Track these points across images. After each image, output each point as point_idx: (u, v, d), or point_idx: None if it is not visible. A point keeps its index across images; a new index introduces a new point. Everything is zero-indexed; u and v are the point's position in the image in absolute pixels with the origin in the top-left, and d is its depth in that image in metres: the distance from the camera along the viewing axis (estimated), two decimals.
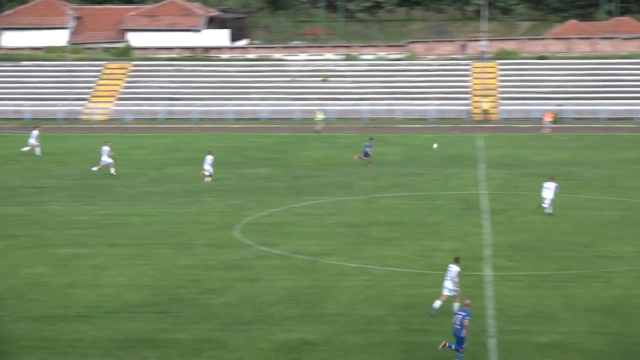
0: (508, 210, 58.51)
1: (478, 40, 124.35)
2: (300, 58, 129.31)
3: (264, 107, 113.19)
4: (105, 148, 71.21)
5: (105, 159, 70.84)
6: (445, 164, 77.46)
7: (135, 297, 39.94)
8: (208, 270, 44.27)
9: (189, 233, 52.15)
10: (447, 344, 32.92)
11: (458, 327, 32.76)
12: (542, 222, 55.01)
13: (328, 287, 41.70)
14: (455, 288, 37.66)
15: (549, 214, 56.55)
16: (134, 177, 70.77)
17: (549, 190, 57.20)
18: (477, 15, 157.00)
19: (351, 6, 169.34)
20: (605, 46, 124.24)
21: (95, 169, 71.43)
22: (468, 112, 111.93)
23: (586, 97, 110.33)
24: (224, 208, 59.18)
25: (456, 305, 37.15)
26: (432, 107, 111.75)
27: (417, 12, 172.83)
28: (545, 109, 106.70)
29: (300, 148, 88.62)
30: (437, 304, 37.67)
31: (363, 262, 45.97)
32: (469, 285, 41.26)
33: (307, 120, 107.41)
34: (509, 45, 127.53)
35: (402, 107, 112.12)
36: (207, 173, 67.47)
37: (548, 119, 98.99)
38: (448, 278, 37.70)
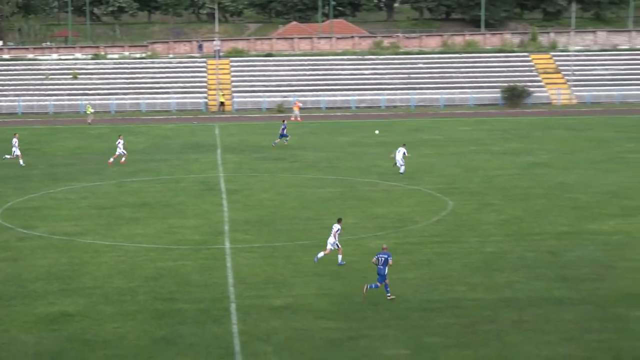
0: (243, 190, 59.10)
1: (212, 40, 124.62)
2: (52, 58, 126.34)
3: (20, 103, 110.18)
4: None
5: None
6: (187, 150, 77.54)
7: None
8: None
9: None
10: (368, 286, 36.06)
11: (381, 267, 35.85)
12: (272, 200, 55.85)
13: (84, 263, 41.11)
14: (337, 242, 40.71)
15: (401, 172, 62.82)
16: None
17: (399, 153, 63.53)
18: (210, 18, 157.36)
19: (97, 10, 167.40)
20: (323, 45, 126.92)
21: None
22: (205, 104, 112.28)
23: (308, 89, 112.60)
24: None
25: (340, 256, 40.94)
26: (173, 100, 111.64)
27: (157, 16, 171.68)
28: (274, 100, 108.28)
29: (55, 139, 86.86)
30: (321, 254, 40.73)
31: (115, 240, 45.52)
32: (211, 257, 41.66)
33: (59, 114, 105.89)
34: (240, 45, 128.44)
35: (146, 101, 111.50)
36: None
37: (297, 108, 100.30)
38: (331, 235, 40.76)
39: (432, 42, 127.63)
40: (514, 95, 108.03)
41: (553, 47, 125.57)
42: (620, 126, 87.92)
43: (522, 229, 47.41)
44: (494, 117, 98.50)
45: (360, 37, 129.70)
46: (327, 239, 41.27)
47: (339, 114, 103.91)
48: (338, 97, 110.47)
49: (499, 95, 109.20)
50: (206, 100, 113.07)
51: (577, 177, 62.21)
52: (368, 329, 33.12)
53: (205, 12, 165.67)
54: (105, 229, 47.90)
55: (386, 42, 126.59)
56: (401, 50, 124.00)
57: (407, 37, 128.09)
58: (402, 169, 63.61)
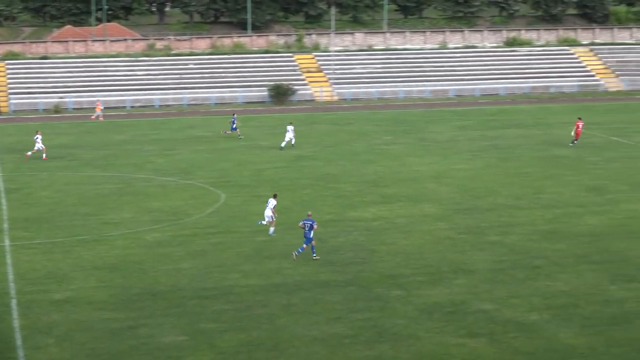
0: (23, 188, 57.25)
1: None
2: None
3: None
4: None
5: None
6: None
7: None
8: None
9: None
10: (296, 252, 39.89)
11: (307, 231, 39.65)
12: (52, 197, 54.41)
13: None
14: (273, 215, 44.20)
15: (282, 148, 70.30)
16: None
17: (289, 133, 71.54)
18: None
19: None
20: (98, 47, 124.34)
21: None
22: None
23: (84, 91, 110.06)
24: None
25: (272, 229, 44.31)
26: None
27: None
28: (50, 101, 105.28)
29: None
30: (262, 222, 44.83)
31: None
32: None
33: None
34: (15, 48, 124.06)
35: None
36: None
37: (99, 109, 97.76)
38: (268, 208, 44.31)
39: (202, 43, 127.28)
40: (280, 93, 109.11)
41: (315, 48, 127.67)
42: (378, 120, 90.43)
43: (290, 218, 48.00)
44: (261, 114, 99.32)
45: (134, 39, 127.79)
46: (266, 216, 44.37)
47: (114, 113, 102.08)
48: (113, 98, 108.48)
49: (266, 93, 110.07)
50: None
51: (340, 168, 63.55)
52: (146, 318, 32.83)
53: None
54: None
55: (159, 44, 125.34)
56: (173, 52, 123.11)
57: (179, 40, 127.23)
58: (293, 141, 72.05)
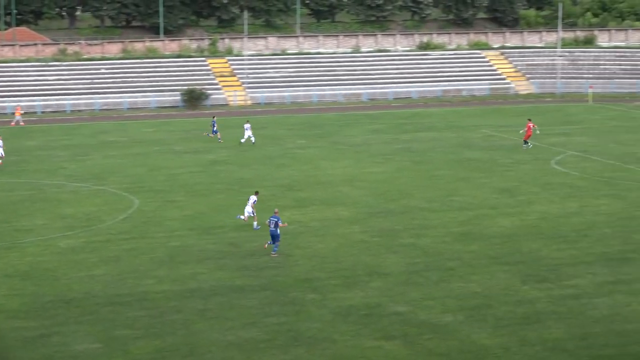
0: None
1: None
2: None
3: None
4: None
5: None
6: None
7: None
8: None
9: None
10: (268, 243, 41.77)
11: (273, 228, 40.97)
12: None
13: None
14: (253, 211, 46.18)
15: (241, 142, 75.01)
16: None
17: (247, 130, 76.33)
18: None
19: None
20: (7, 52, 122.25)
21: None
22: None
23: None
24: None
25: (255, 223, 46.23)
26: None
27: None
28: None
29: None
30: (240, 217, 46.68)
31: None
32: None
33: None
34: None
35: None
36: None
37: (19, 114, 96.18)
38: (248, 204, 46.29)
39: (114, 48, 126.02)
40: (193, 98, 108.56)
41: (228, 52, 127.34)
42: (291, 124, 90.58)
43: (204, 223, 47.85)
44: (175, 118, 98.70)
45: (44, 44, 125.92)
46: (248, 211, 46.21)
47: (25, 119, 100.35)
48: (23, 103, 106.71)
49: (179, 98, 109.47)
50: None
51: (254, 173, 63.50)
52: (59, 326, 32.39)
53: None
54: None
55: (69, 49, 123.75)
56: (84, 56, 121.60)
57: (90, 44, 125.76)
58: (252, 139, 76.07)
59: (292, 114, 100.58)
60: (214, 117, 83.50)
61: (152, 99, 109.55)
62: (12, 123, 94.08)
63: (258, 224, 46.31)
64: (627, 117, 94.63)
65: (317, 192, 56.24)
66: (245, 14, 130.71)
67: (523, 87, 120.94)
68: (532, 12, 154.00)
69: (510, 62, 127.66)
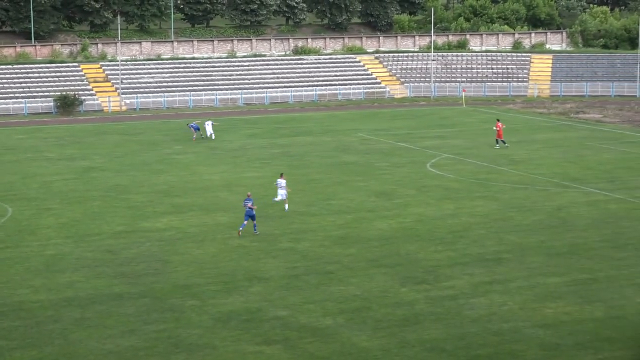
0: None
1: None
2: None
3: None
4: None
5: None
6: None
7: None
8: None
9: None
10: (240, 229, 45.92)
11: (249, 209, 45.78)
12: None
13: None
14: (285, 193, 51.48)
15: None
16: None
17: (208, 127, 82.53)
18: None
19: None
20: None
21: None
22: None
23: None
24: None
25: (286, 206, 51.57)
26: None
27: None
28: None
29: None
30: (276, 199, 51.95)
31: None
32: None
33: None
34: None
35: None
36: None
37: None
38: (280, 187, 51.45)
39: None
40: (66, 104, 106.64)
41: (102, 57, 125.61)
42: (168, 130, 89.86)
43: (80, 231, 47.10)
44: (48, 125, 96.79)
45: None
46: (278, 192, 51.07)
47: None
48: None
49: (52, 104, 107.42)
50: None
51: (131, 179, 62.78)
52: None
53: None
54: None
55: None
56: None
57: None
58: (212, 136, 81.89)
59: (168, 119, 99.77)
60: (187, 124, 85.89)
61: (24, 105, 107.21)
62: None
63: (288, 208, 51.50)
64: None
65: (194, 198, 55.95)
66: (119, 19, 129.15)
67: (398, 90, 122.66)
68: (405, 17, 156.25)
69: (384, 66, 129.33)
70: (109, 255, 42.23)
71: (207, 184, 60.59)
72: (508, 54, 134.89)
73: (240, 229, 46.20)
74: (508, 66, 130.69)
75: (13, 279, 38.68)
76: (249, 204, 46.00)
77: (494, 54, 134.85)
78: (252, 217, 46.22)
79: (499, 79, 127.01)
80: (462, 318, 33.96)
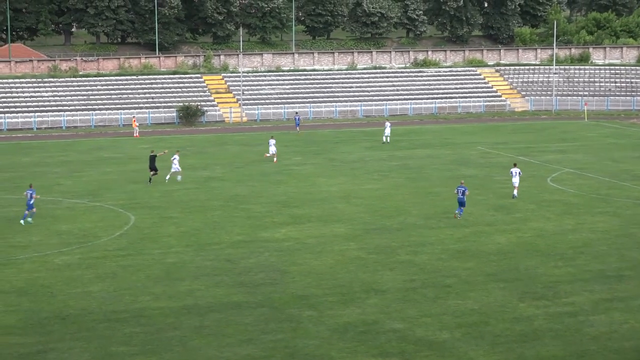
0: None
1: None
2: None
3: None
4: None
5: None
6: None
7: None
8: None
9: None
10: (456, 212, 51.99)
11: (461, 196, 52.42)
12: None
13: None
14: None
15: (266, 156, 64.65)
16: None
17: (272, 147, 75.79)
18: None
19: None
20: (3, 68, 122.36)
21: None
22: None
23: None
24: None
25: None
26: None
27: None
28: None
29: None
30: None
31: None
32: None
33: None
34: None
35: None
36: None
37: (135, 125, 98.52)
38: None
39: (110, 64, 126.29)
40: (189, 114, 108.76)
41: (224, 68, 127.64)
42: (287, 141, 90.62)
43: (200, 240, 47.78)
44: (171, 135, 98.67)
45: (39, 60, 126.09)
46: None
47: (20, 135, 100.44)
48: (19, 119, 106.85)
49: (174, 114, 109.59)
50: None
51: (250, 189, 63.48)
52: (56, 342, 32.25)
53: None
54: None
55: (65, 65, 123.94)
56: (80, 73, 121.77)
57: (85, 61, 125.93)
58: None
59: (287, 130, 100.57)
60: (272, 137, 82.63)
61: (148, 115, 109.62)
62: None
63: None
64: (622, 135, 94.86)
65: (313, 209, 56.22)
66: (241, 31, 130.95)
67: (518, 104, 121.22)
68: (527, 29, 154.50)
69: (505, 79, 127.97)
70: (228, 265, 42.73)
71: (325, 195, 60.85)
72: (632, 67, 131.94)
73: (457, 212, 52.96)
74: (632, 80, 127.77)
75: (135, 286, 39.47)
76: (461, 191, 52.38)
77: (618, 67, 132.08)
78: (463, 204, 52.65)
79: (622, 93, 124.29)
80: (581, 335, 33.24)
